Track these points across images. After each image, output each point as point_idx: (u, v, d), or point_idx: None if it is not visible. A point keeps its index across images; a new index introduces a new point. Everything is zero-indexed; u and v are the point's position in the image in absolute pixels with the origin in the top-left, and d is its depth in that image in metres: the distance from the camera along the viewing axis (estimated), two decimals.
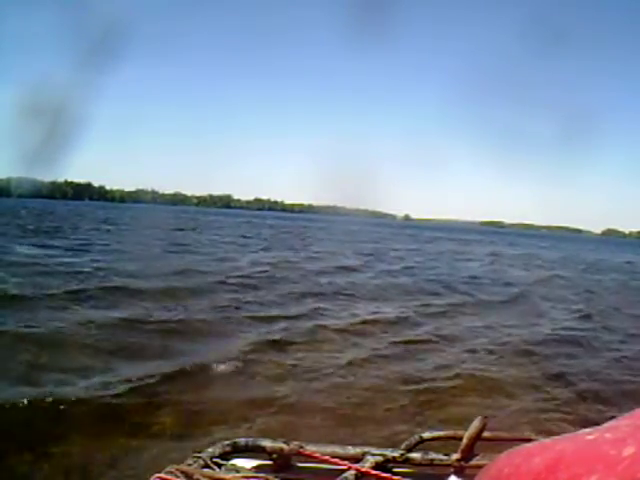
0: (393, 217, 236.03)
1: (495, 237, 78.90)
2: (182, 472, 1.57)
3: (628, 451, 0.84)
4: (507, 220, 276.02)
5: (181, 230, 37.08)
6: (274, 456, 1.83)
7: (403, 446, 1.86)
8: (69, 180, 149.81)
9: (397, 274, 19.32)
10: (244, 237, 34.90)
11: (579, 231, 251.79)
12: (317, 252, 26.11)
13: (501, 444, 1.64)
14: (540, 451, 0.99)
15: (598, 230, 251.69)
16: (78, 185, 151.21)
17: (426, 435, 1.93)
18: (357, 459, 1.80)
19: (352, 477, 1.69)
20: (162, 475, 1.55)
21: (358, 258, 24.26)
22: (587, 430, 1.00)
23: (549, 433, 1.32)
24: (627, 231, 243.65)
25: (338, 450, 1.84)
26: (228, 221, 60.35)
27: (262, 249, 26.35)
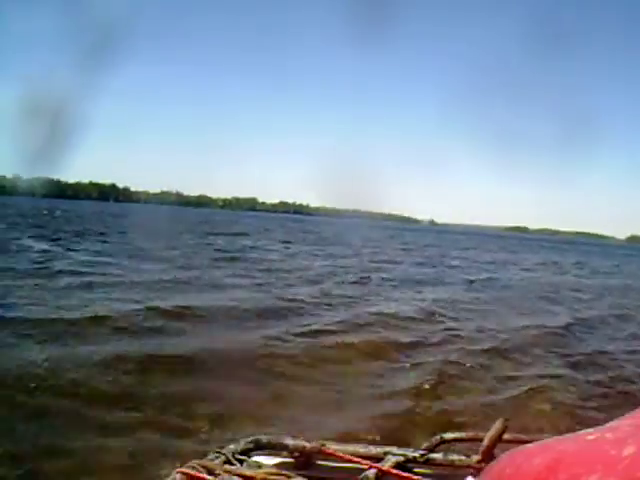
0: (418, 222, 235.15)
1: (528, 243, 77.77)
2: (204, 467, 1.57)
3: (628, 451, 0.84)
4: (531, 226, 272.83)
5: (239, 235, 35.89)
6: (296, 454, 1.82)
7: (424, 446, 1.85)
8: (94, 181, 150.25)
9: (488, 286, 17.94)
10: (287, 242, 33.50)
11: (603, 237, 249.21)
12: (382, 260, 25.05)
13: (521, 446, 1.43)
14: (541, 451, 0.99)
15: (623, 236, 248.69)
16: (103, 186, 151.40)
17: (447, 436, 1.89)
18: (378, 459, 1.79)
19: (373, 476, 1.68)
20: (183, 469, 1.55)
21: (424, 265, 23.65)
22: (588, 430, 1.00)
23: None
24: None
25: (360, 449, 1.84)
26: (263, 224, 59.01)
27: (325, 255, 25.19)
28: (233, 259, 19.61)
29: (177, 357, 7.03)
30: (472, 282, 18.63)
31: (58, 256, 16.76)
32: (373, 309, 11.54)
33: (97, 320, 8.47)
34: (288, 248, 27.84)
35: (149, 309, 9.41)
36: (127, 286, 12.11)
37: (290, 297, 12.14)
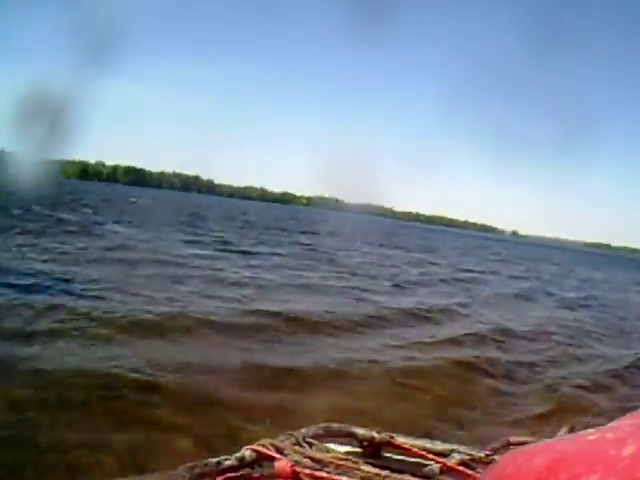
0: (501, 232, 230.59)
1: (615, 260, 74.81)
2: (273, 446, 1.59)
3: (628, 451, 0.84)
4: (614, 242, 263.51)
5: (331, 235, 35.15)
6: (364, 444, 1.84)
7: (489, 447, 1.86)
8: (178, 172, 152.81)
9: (596, 305, 17.11)
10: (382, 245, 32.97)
11: None
12: (478, 270, 24.53)
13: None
14: (542, 451, 0.99)
15: None
16: (187, 177, 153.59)
17: (513, 439, 1.90)
18: (444, 455, 1.80)
19: (437, 470, 1.72)
20: (253, 446, 1.59)
21: (524, 279, 23.05)
22: (589, 430, 1.00)
23: None
24: None
25: (427, 444, 1.85)
26: (351, 226, 58.15)
27: (418, 262, 24.57)
28: (331, 261, 19.40)
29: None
30: (577, 300, 17.84)
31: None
32: (487, 324, 11.04)
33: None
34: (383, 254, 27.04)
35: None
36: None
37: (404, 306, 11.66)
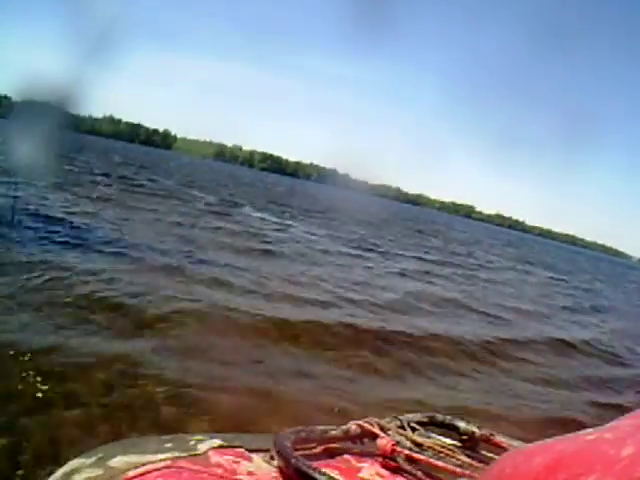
0: (628, 257, 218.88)
1: None
2: (378, 425, 1.63)
3: (627, 451, 0.84)
4: None
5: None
6: (464, 437, 1.81)
7: None
8: (315, 163, 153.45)
9: None
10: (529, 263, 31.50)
11: None
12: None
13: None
14: (540, 451, 0.98)
15: None
16: (323, 169, 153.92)
17: None
18: None
19: None
20: (359, 422, 1.63)
21: None
22: (588, 430, 0.98)
23: None
24: None
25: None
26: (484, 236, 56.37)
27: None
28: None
29: None
30: None
31: None
32: None
33: None
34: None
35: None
36: None
37: None
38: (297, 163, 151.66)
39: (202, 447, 1.41)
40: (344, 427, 1.62)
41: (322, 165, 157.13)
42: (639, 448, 0.85)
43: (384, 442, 1.55)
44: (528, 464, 0.96)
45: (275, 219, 20.48)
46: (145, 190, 20.72)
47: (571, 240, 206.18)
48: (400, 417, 1.76)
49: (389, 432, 1.61)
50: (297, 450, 1.43)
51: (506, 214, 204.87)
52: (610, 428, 0.97)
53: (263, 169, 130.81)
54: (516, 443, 1.79)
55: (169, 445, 1.41)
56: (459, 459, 1.55)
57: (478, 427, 1.84)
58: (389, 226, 32.82)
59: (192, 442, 1.43)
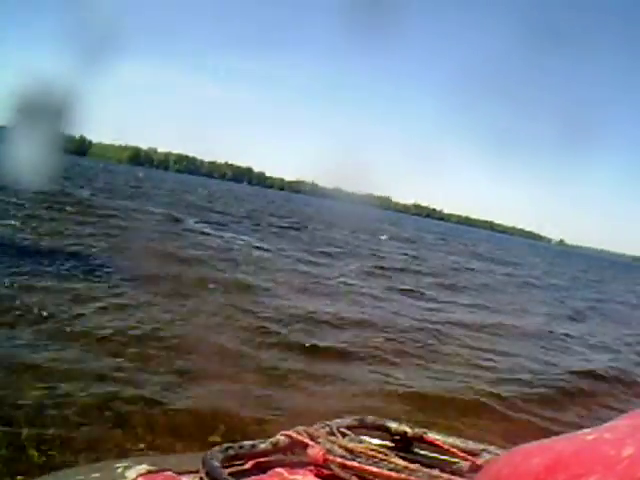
0: (547, 240, 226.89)
1: None
2: (308, 433, 1.60)
3: (627, 451, 0.85)
4: None
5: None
6: (396, 437, 1.84)
7: None
8: (230, 162, 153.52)
9: None
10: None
11: None
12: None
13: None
14: (539, 451, 1.00)
15: None
16: (238, 168, 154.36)
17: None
18: (474, 454, 1.74)
19: (466, 468, 1.67)
20: (288, 432, 1.60)
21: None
22: (586, 430, 1.00)
23: None
24: None
25: (458, 442, 1.80)
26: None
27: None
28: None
29: None
30: None
31: None
32: None
33: None
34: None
35: None
36: None
37: None
38: (212, 163, 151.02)
39: (130, 474, 1.40)
40: (273, 439, 1.59)
41: (237, 164, 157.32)
42: (639, 448, 0.85)
43: (315, 451, 1.52)
44: (527, 464, 0.97)
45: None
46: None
47: (489, 226, 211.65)
48: (329, 423, 1.73)
49: (319, 440, 1.58)
50: (227, 468, 1.42)
51: (423, 203, 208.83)
52: (609, 428, 0.99)
53: (178, 171, 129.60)
54: (450, 440, 1.80)
55: (97, 475, 1.46)
56: (393, 462, 1.51)
57: (410, 427, 1.84)
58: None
59: (120, 469, 1.43)
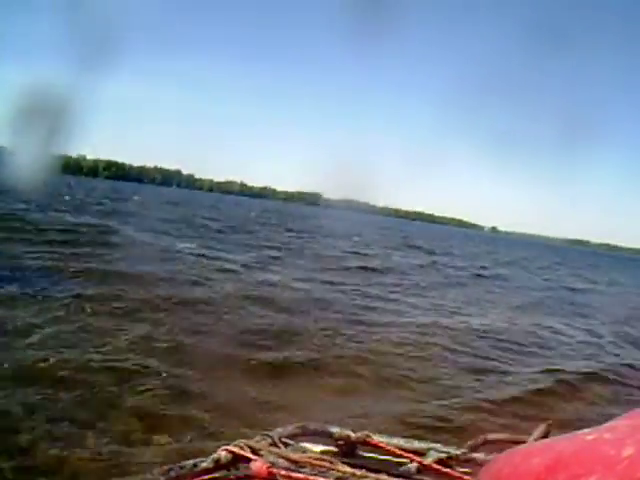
0: (480, 228, 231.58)
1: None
2: (249, 447, 1.58)
3: (627, 452, 0.85)
4: (593, 239, 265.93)
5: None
6: (340, 442, 1.84)
7: (467, 445, 1.86)
8: (159, 166, 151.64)
9: None
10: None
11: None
12: None
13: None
14: (540, 451, 1.01)
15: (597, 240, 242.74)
16: (167, 171, 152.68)
17: (490, 437, 1.93)
18: (421, 453, 1.81)
19: (414, 470, 1.71)
20: (229, 447, 1.58)
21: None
22: (586, 430, 1.01)
23: None
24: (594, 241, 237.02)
25: (403, 443, 1.84)
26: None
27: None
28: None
29: None
30: None
31: None
32: None
33: None
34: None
35: None
36: None
37: None
38: (141, 167, 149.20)
39: None
40: (214, 455, 1.56)
41: (166, 167, 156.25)
42: (639, 449, 0.86)
43: (258, 465, 1.48)
44: (527, 464, 0.99)
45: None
46: None
47: (418, 216, 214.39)
48: (270, 433, 1.72)
49: (262, 453, 1.56)
50: None
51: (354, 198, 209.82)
52: (609, 428, 1.00)
53: (107, 177, 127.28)
54: (395, 440, 1.83)
55: None
56: (339, 470, 1.49)
57: (352, 430, 1.85)
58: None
59: None
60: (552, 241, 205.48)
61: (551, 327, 12.46)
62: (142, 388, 5.69)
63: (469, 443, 1.90)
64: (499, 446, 1.84)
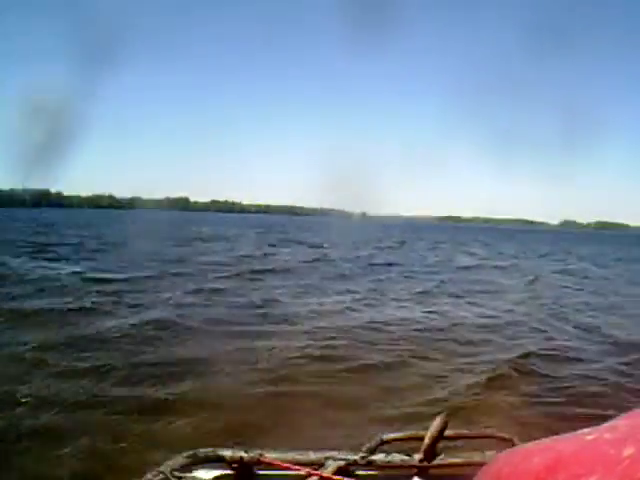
0: (350, 215, 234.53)
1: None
2: None
3: (628, 451, 0.85)
4: (465, 214, 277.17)
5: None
6: (234, 465, 1.81)
7: (364, 449, 1.84)
8: (27, 187, 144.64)
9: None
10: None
11: (533, 223, 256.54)
12: None
13: (464, 442, 1.76)
14: (540, 451, 0.99)
15: (555, 221, 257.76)
16: (35, 192, 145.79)
17: (387, 437, 1.89)
18: (319, 464, 1.78)
19: None
20: None
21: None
22: (586, 430, 1.00)
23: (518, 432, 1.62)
24: (585, 222, 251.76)
25: (298, 456, 1.81)
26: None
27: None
28: None
29: None
30: None
31: None
32: None
33: None
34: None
35: None
36: None
37: None
38: (12, 190, 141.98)
39: None
40: None
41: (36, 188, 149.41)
42: (639, 448, 0.86)
43: None
44: (527, 464, 0.97)
45: None
46: None
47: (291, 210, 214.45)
48: (160, 468, 1.70)
49: None
50: None
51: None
52: (609, 428, 0.99)
53: None
54: (289, 455, 1.83)
55: None
56: None
57: (245, 450, 1.83)
58: None
59: None
60: (426, 220, 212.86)
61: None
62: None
63: (367, 446, 1.88)
64: (396, 445, 1.89)
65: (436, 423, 1.75)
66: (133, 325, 9.40)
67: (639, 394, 6.73)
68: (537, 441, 1.09)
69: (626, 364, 8.24)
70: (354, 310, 12.04)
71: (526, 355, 8.46)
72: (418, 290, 15.70)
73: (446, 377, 7.37)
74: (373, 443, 1.87)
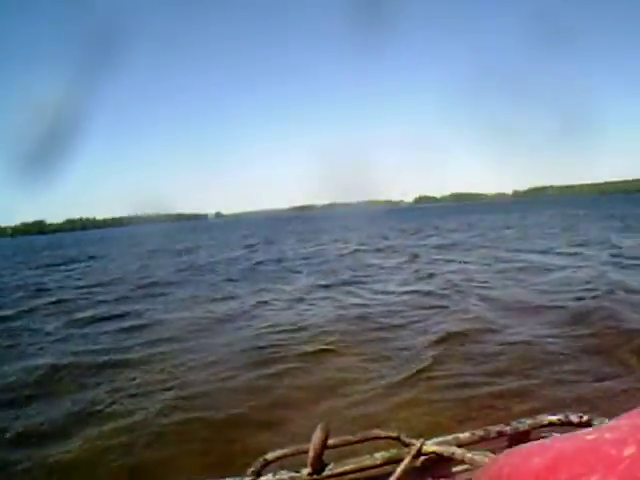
0: (205, 216, 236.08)
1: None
2: None
3: (629, 451, 0.86)
4: (319, 202, 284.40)
5: None
6: None
7: (249, 473, 1.69)
8: None
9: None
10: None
11: (392, 202, 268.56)
12: None
13: (351, 448, 1.64)
14: (540, 451, 1.00)
15: (410, 199, 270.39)
16: None
17: (270, 456, 1.72)
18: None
19: None
20: None
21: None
22: (587, 430, 1.01)
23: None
24: (439, 195, 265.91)
25: None
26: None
27: None
28: None
29: None
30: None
31: None
32: None
33: None
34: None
35: None
36: None
37: None
38: None
39: None
40: None
41: None
42: None
43: None
44: (527, 464, 0.97)
45: None
46: None
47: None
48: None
49: None
50: None
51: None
52: (609, 428, 0.99)
53: None
54: None
55: None
56: None
57: None
58: None
59: None
60: (280, 212, 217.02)
61: None
62: None
63: (251, 469, 1.76)
64: (281, 463, 1.76)
65: (317, 434, 1.63)
66: None
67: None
68: (537, 441, 1.11)
69: None
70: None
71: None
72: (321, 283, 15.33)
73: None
74: (258, 465, 1.73)
